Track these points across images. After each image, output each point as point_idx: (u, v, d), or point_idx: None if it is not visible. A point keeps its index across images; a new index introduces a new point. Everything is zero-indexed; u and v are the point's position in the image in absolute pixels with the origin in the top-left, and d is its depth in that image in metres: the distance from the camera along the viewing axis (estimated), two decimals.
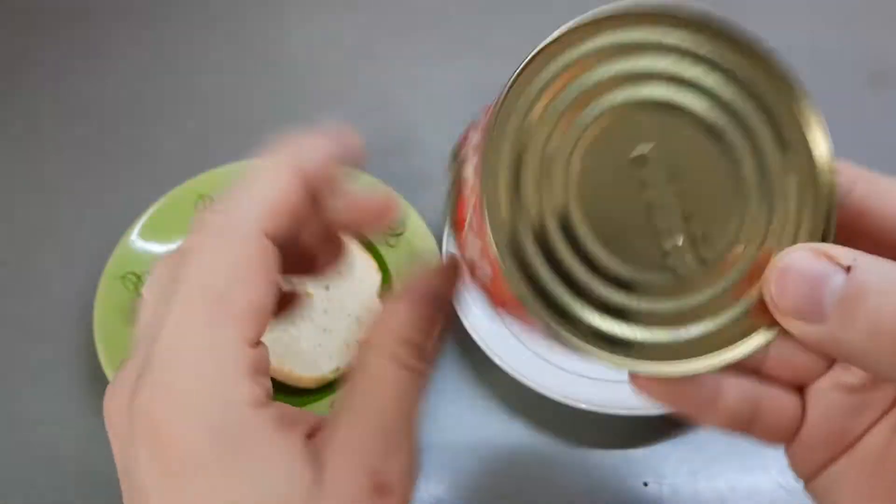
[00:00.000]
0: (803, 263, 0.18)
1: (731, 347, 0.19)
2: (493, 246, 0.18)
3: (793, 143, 0.20)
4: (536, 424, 0.42)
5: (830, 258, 0.18)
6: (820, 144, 0.20)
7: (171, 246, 0.47)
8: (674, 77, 0.19)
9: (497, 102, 0.19)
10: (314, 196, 0.23)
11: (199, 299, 0.20)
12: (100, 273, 0.45)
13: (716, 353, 0.19)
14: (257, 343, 0.21)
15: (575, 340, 0.19)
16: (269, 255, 0.21)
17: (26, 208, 0.53)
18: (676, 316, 0.19)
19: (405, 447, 0.21)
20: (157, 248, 0.47)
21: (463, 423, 0.42)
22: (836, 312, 0.18)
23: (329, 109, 0.61)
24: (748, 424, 0.25)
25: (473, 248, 0.20)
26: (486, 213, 0.18)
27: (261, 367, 0.21)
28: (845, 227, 0.23)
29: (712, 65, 0.20)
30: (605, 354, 0.19)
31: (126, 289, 0.45)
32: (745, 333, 0.19)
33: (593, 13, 0.19)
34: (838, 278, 0.18)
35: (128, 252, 0.46)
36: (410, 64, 0.66)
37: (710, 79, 0.20)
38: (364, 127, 0.68)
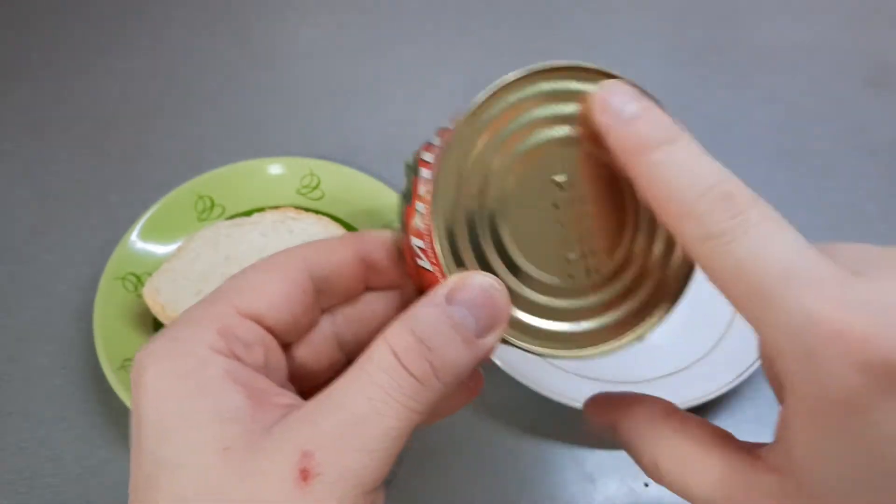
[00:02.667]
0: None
1: (613, 341, 0.24)
2: (437, 240, 0.22)
3: None
4: (536, 424, 0.42)
5: None
6: None
7: (171, 246, 0.47)
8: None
9: (451, 131, 0.22)
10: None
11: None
12: (100, 273, 0.45)
13: (601, 344, 0.24)
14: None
15: None
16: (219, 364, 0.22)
17: (26, 208, 0.53)
18: (573, 312, 0.24)
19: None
20: (157, 248, 0.47)
21: (463, 424, 0.42)
22: None
23: (329, 109, 0.61)
24: None
25: (418, 238, 0.24)
26: (434, 211, 0.22)
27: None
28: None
29: None
30: (516, 339, 0.23)
31: (126, 289, 0.45)
32: (624, 330, 0.24)
33: (529, 68, 0.23)
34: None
35: (128, 252, 0.46)
36: (410, 64, 0.66)
37: None
38: (364, 127, 0.68)
